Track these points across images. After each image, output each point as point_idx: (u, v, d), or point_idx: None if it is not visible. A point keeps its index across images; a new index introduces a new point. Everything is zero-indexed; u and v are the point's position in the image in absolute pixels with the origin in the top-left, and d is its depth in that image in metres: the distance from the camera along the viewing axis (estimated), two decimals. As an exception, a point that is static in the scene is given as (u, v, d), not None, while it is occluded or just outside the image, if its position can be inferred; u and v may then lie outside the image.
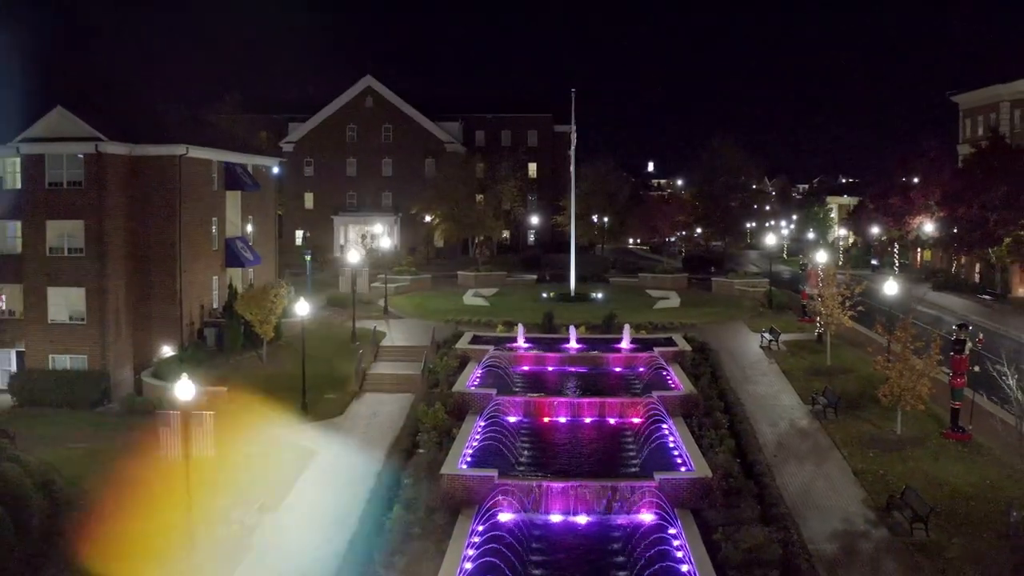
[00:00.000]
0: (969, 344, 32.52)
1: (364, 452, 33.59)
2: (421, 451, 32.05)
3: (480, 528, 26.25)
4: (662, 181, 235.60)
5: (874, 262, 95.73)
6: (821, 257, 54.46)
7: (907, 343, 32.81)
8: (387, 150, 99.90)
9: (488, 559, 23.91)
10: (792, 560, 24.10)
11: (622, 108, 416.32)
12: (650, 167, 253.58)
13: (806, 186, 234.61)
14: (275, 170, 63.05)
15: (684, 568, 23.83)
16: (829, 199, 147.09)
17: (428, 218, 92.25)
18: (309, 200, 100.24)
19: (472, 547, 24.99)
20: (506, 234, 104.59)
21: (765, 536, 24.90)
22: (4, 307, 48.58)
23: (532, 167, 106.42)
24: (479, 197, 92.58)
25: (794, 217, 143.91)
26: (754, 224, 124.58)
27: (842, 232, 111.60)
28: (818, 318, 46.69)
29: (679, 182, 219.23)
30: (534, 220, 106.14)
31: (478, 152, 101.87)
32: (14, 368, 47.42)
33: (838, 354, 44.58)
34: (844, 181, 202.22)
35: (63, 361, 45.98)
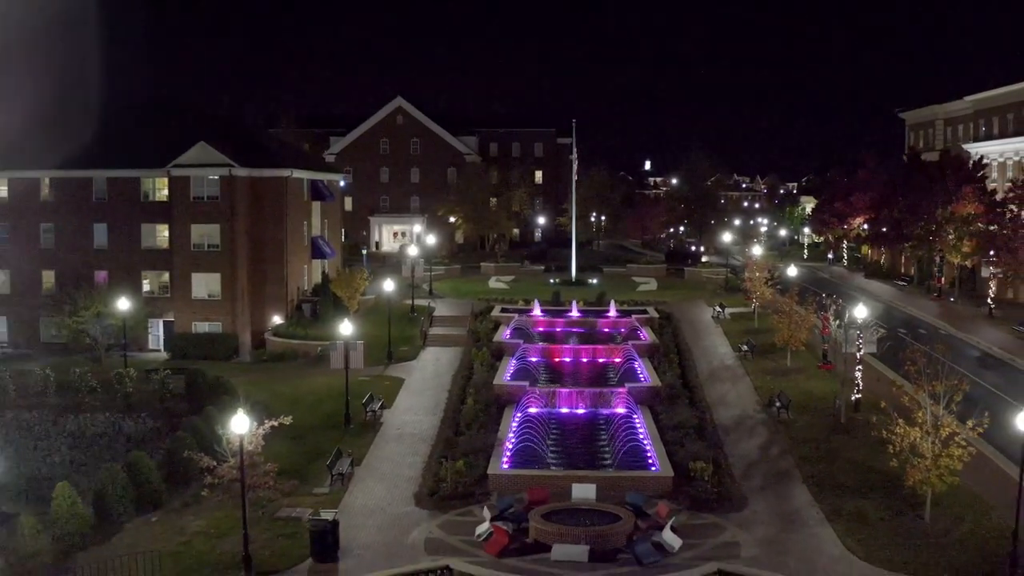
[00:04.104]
0: (833, 307, 49.56)
1: (436, 379, 50.86)
2: (476, 376, 49.15)
3: (519, 414, 43.26)
4: (658, 179, 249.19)
5: (830, 256, 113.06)
6: (756, 250, 71.99)
7: (793, 304, 50.12)
8: (415, 160, 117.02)
9: (525, 429, 40.93)
10: (703, 426, 41.32)
11: (621, 106, 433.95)
12: (647, 165, 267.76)
13: (795, 184, 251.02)
14: (341, 183, 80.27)
15: (640, 431, 40.87)
16: (803, 199, 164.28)
17: (452, 219, 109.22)
18: (348, 203, 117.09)
19: (515, 422, 42.04)
20: (516, 232, 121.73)
21: (689, 414, 42.05)
22: (149, 288, 65.56)
23: (538, 174, 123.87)
24: (493, 200, 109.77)
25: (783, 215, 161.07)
26: (738, 221, 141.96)
27: (806, 230, 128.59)
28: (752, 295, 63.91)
29: (674, 181, 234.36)
30: (540, 220, 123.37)
31: (492, 162, 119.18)
32: (161, 333, 64.54)
33: (765, 320, 61.75)
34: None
35: (203, 327, 63.12)
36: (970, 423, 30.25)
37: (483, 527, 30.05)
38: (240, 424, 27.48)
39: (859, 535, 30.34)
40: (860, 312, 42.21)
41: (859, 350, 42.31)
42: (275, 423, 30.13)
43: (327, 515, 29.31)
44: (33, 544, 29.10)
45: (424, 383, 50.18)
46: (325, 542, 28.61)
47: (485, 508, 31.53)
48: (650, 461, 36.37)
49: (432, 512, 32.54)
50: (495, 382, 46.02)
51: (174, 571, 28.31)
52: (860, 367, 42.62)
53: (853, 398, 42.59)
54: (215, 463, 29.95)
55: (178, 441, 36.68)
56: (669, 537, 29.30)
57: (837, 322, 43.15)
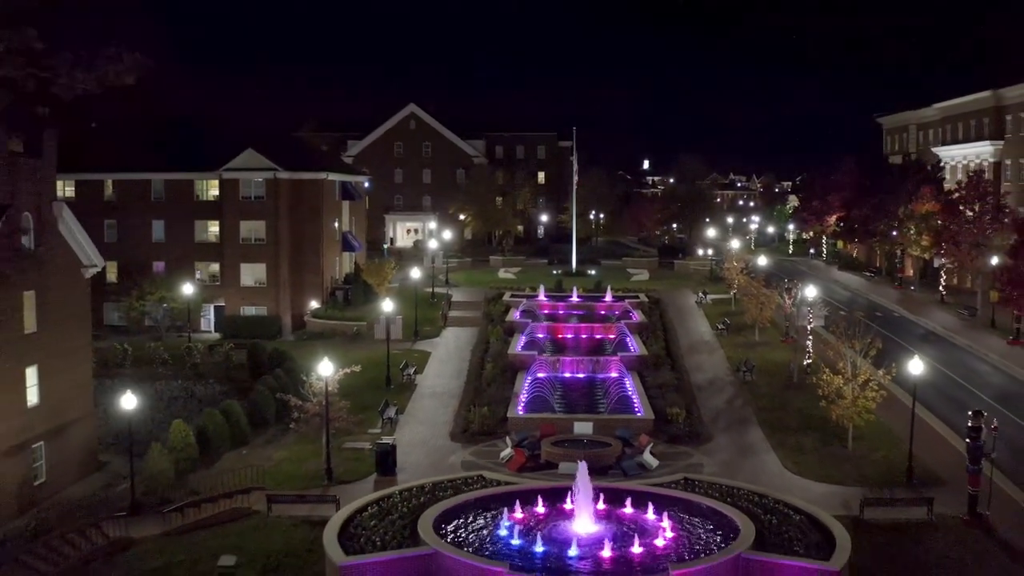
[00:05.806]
0: (794, 289, 58.54)
1: (458, 351, 59.90)
2: (492, 347, 58.15)
3: (529, 378, 52.24)
4: (656, 178, 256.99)
5: (812, 250, 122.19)
6: (734, 244, 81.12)
7: (759, 286, 59.24)
8: (426, 163, 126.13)
9: (535, 387, 49.90)
10: (681, 385, 50.37)
11: (621, 107, 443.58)
12: (646, 164, 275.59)
13: (789, 183, 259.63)
14: (366, 184, 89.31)
15: (629, 389, 49.83)
16: (791, 197, 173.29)
17: (462, 216, 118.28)
18: (365, 202, 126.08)
19: (526, 383, 51.05)
20: (521, 228, 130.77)
21: (670, 377, 51.11)
22: (200, 277, 74.33)
23: (541, 175, 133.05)
24: (499, 200, 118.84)
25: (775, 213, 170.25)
26: (731, 219, 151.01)
27: (791, 226, 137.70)
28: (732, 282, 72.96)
29: (671, 180, 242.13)
30: (543, 218, 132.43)
31: (498, 164, 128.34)
32: (212, 316, 73.42)
33: (741, 303, 70.80)
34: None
35: (249, 310, 72.01)
36: (882, 371, 39.31)
37: (506, 452, 39.12)
38: (326, 368, 36.61)
39: (796, 460, 39.38)
40: (810, 292, 51.24)
41: (809, 323, 51.33)
42: (347, 371, 39.25)
43: (388, 440, 38.39)
44: (159, 464, 38.07)
45: (448, 355, 59.19)
46: (387, 461, 37.66)
47: (507, 439, 40.60)
48: (636, 408, 45.40)
49: (464, 445, 41.62)
50: (509, 352, 55.11)
51: (272, 482, 37.30)
52: (811, 337, 51.64)
53: (804, 362, 51.61)
54: (302, 402, 39.09)
55: (259, 394, 45.72)
56: (648, 458, 38.34)
57: (790, 301, 52.24)
